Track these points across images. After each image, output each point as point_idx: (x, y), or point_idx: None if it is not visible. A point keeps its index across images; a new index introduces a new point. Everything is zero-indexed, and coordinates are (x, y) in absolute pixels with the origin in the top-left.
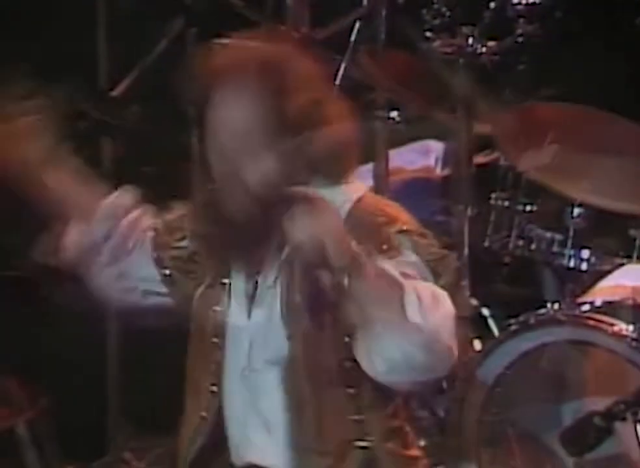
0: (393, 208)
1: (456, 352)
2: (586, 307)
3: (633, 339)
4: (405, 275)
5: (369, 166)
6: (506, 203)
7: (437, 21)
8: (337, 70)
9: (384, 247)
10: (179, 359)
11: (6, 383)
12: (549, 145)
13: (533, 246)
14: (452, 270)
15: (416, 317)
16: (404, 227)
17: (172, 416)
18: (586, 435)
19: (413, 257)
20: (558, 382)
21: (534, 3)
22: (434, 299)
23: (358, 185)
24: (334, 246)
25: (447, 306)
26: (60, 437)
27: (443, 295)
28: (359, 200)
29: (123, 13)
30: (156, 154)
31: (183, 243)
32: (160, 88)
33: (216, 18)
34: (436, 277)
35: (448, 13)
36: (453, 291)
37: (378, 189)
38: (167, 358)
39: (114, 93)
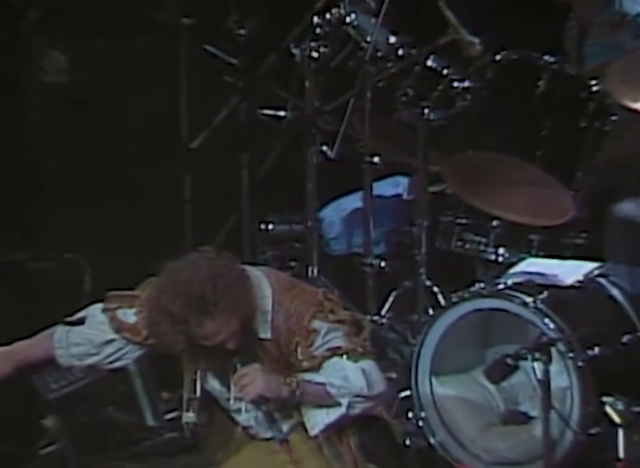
0: (301, 298)
1: (381, 386)
2: (501, 286)
3: (532, 307)
4: (334, 349)
5: (359, 194)
6: (450, 218)
7: (404, 98)
8: (339, 131)
9: (307, 336)
10: None
11: None
12: None
13: (467, 246)
14: (361, 322)
15: (344, 401)
16: (316, 312)
17: None
18: (501, 370)
19: (330, 333)
20: (483, 336)
21: (468, 87)
22: (347, 381)
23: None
24: (273, 393)
25: (359, 379)
26: (158, 370)
27: (354, 369)
28: (273, 302)
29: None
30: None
31: None
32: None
33: (260, 96)
34: (353, 329)
35: (412, 93)
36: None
37: (365, 209)
38: None
39: (192, 145)
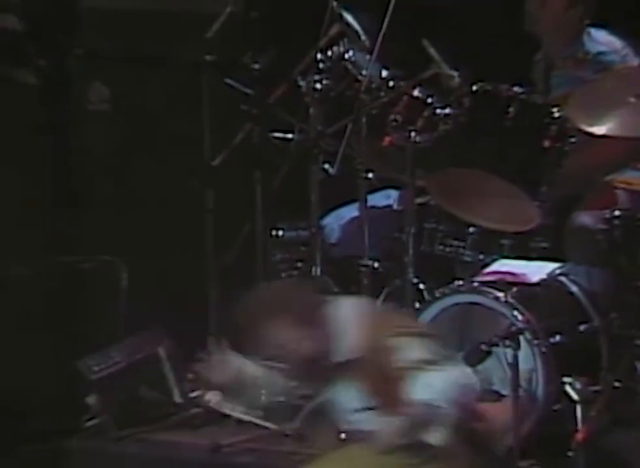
0: (382, 318)
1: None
2: (477, 283)
3: (503, 301)
4: (415, 361)
5: (356, 204)
6: (433, 226)
7: (394, 123)
8: (338, 151)
9: (390, 353)
10: None
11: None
12: None
13: (448, 249)
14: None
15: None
16: (397, 332)
17: None
18: (477, 355)
19: (410, 346)
20: (462, 325)
21: (449, 114)
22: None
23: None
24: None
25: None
26: (185, 354)
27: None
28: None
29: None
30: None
31: None
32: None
33: (270, 121)
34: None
35: (401, 119)
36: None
37: (361, 218)
38: None
39: (214, 163)
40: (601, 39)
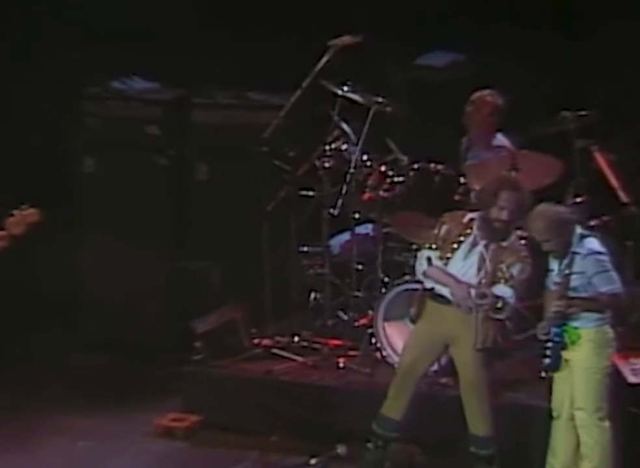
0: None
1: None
2: (419, 277)
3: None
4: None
5: (348, 232)
6: (393, 245)
7: (370, 187)
8: (338, 201)
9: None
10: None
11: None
12: None
13: (401, 258)
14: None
15: None
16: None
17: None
18: (418, 318)
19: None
20: (410, 301)
21: (402, 180)
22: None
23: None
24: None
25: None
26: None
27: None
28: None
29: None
30: None
31: None
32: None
33: (299, 185)
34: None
35: (374, 184)
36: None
37: (352, 240)
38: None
39: (268, 209)
40: (500, 138)
